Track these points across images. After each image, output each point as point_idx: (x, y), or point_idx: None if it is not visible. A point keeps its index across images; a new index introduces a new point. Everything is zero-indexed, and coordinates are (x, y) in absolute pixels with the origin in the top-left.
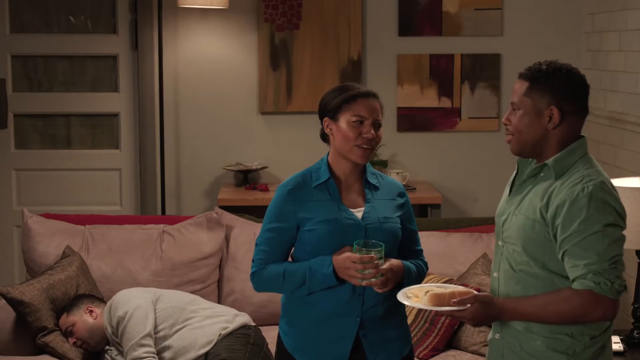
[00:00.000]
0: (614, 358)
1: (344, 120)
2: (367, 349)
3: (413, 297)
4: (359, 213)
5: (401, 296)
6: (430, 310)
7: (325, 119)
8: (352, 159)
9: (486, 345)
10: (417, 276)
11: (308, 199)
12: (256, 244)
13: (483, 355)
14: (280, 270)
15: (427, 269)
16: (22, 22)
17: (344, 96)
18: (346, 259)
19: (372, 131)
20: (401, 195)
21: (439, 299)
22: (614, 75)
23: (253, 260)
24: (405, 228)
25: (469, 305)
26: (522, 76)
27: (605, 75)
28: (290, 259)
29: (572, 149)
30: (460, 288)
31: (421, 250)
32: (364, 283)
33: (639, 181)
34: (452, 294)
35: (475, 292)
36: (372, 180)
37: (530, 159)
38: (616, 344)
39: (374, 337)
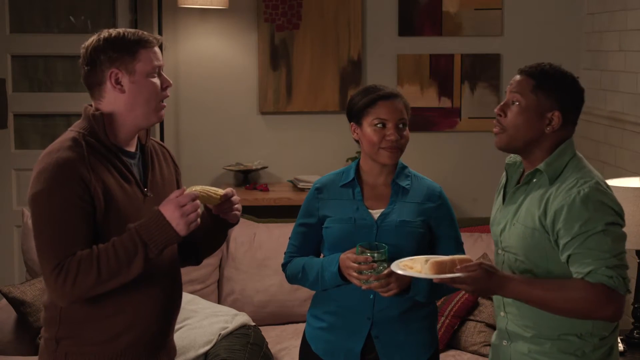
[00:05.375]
0: None
1: (367, 124)
2: (380, 350)
3: (407, 269)
4: (377, 214)
5: (395, 267)
6: None
7: (351, 124)
8: (380, 161)
9: (486, 345)
10: (436, 284)
11: (331, 197)
12: (289, 238)
13: (483, 355)
14: (300, 265)
15: None
16: (22, 22)
17: (366, 100)
18: (346, 259)
19: (395, 133)
20: (433, 199)
21: (440, 267)
22: (614, 75)
23: (285, 253)
24: (434, 234)
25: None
26: (525, 72)
27: (605, 75)
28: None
29: (561, 150)
30: (459, 256)
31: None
32: (363, 286)
33: (639, 181)
34: (453, 262)
35: (479, 260)
36: (403, 183)
37: (517, 164)
38: None
39: (388, 339)
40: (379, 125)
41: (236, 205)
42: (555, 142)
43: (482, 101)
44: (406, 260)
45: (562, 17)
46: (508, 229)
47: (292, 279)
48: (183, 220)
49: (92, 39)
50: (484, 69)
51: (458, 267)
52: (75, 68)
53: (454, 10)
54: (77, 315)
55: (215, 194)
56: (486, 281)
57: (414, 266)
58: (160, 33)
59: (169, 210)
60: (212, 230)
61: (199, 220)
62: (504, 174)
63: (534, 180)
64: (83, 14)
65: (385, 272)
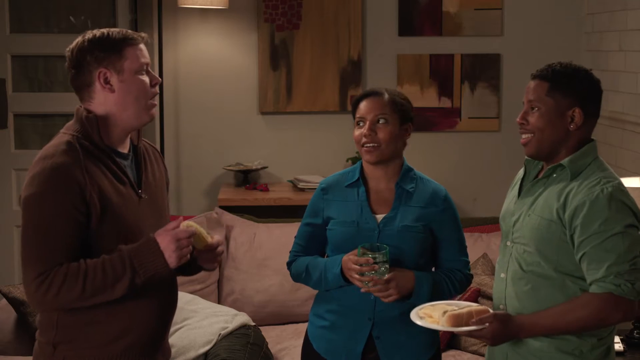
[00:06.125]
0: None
1: (355, 124)
2: (380, 351)
3: (427, 317)
4: (380, 218)
5: (414, 316)
6: None
7: None
8: (364, 159)
9: (486, 345)
10: (438, 288)
11: (336, 198)
12: (295, 237)
13: (483, 355)
14: (304, 264)
15: (469, 281)
16: (22, 22)
17: (353, 102)
18: (348, 260)
19: (368, 129)
20: (437, 203)
21: (457, 320)
22: (614, 75)
23: (290, 251)
24: (436, 237)
25: (487, 324)
26: (538, 77)
27: (605, 75)
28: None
29: (585, 151)
30: (475, 306)
31: (463, 262)
32: (363, 289)
33: (639, 181)
34: (470, 314)
35: (493, 311)
36: (407, 186)
37: (537, 161)
38: (616, 344)
39: (389, 340)
40: (360, 124)
41: (218, 258)
42: (580, 140)
43: (482, 101)
44: (426, 307)
45: (562, 17)
46: (522, 219)
47: (296, 277)
48: (176, 254)
49: (77, 41)
50: (484, 69)
51: (474, 319)
52: None
53: (454, 10)
54: (75, 319)
55: (205, 237)
56: (503, 330)
57: (433, 314)
58: (160, 33)
59: (165, 241)
60: (186, 265)
61: (188, 255)
62: (522, 169)
63: (554, 175)
64: (83, 14)
65: (386, 277)
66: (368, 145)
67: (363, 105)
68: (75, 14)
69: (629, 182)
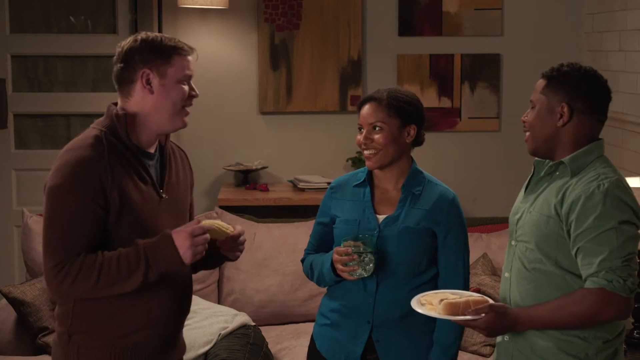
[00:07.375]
0: None
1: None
2: (381, 354)
3: (427, 305)
4: (382, 218)
5: (415, 303)
6: None
7: None
8: (365, 164)
9: (486, 345)
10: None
11: (343, 198)
12: (310, 235)
13: (483, 355)
14: (310, 262)
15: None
16: (22, 22)
17: (357, 106)
18: (334, 253)
19: (364, 137)
20: (442, 206)
21: (453, 308)
22: (614, 75)
23: (304, 250)
24: (437, 241)
25: (483, 315)
26: (542, 75)
27: (605, 75)
28: None
29: (588, 149)
30: (475, 296)
31: (462, 270)
32: (350, 278)
33: (639, 181)
34: (467, 303)
35: (491, 302)
36: (414, 188)
37: (546, 161)
38: None
39: (388, 344)
40: (361, 130)
41: (241, 247)
42: (575, 137)
43: (482, 101)
44: (429, 295)
45: (562, 17)
46: (524, 217)
47: (306, 275)
48: (191, 251)
49: (129, 39)
50: (484, 69)
51: (471, 309)
52: (75, 68)
53: (454, 10)
54: (90, 310)
55: (225, 230)
56: (499, 322)
57: (434, 302)
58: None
59: (180, 238)
60: (209, 258)
61: (204, 252)
62: (532, 168)
63: (557, 172)
64: (83, 14)
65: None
66: (366, 152)
67: (362, 111)
68: (75, 14)
69: (629, 182)
